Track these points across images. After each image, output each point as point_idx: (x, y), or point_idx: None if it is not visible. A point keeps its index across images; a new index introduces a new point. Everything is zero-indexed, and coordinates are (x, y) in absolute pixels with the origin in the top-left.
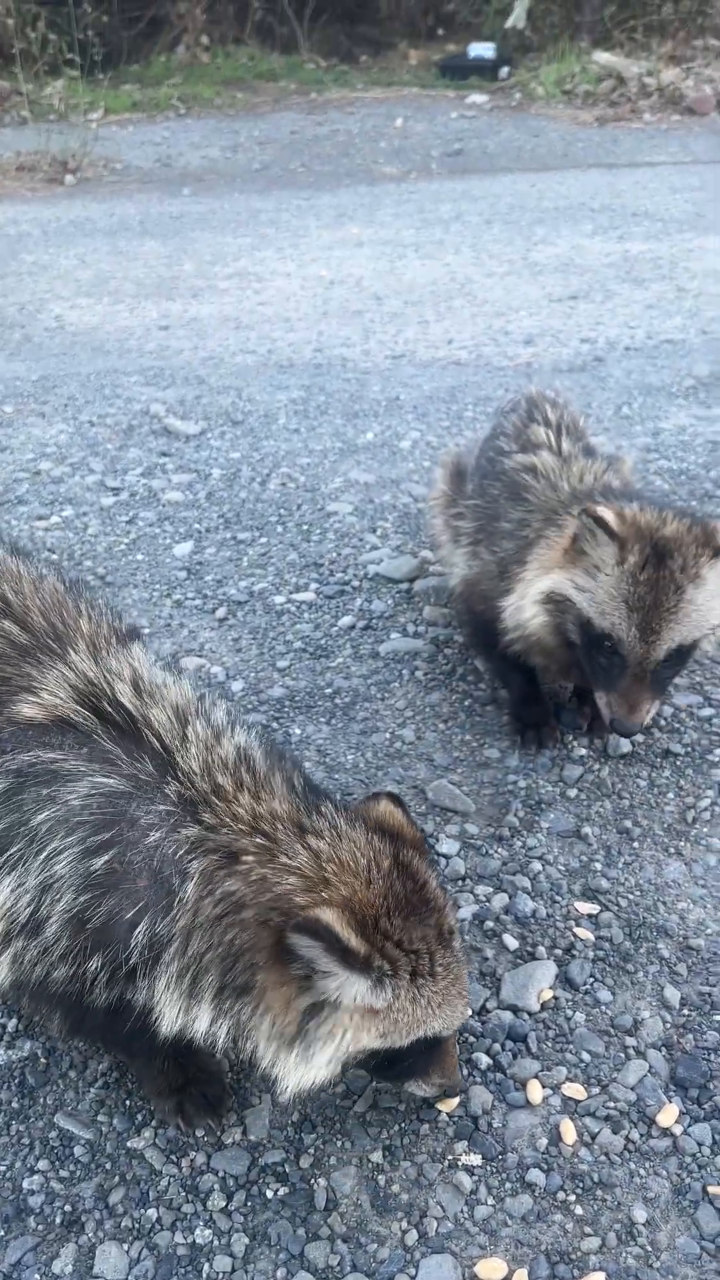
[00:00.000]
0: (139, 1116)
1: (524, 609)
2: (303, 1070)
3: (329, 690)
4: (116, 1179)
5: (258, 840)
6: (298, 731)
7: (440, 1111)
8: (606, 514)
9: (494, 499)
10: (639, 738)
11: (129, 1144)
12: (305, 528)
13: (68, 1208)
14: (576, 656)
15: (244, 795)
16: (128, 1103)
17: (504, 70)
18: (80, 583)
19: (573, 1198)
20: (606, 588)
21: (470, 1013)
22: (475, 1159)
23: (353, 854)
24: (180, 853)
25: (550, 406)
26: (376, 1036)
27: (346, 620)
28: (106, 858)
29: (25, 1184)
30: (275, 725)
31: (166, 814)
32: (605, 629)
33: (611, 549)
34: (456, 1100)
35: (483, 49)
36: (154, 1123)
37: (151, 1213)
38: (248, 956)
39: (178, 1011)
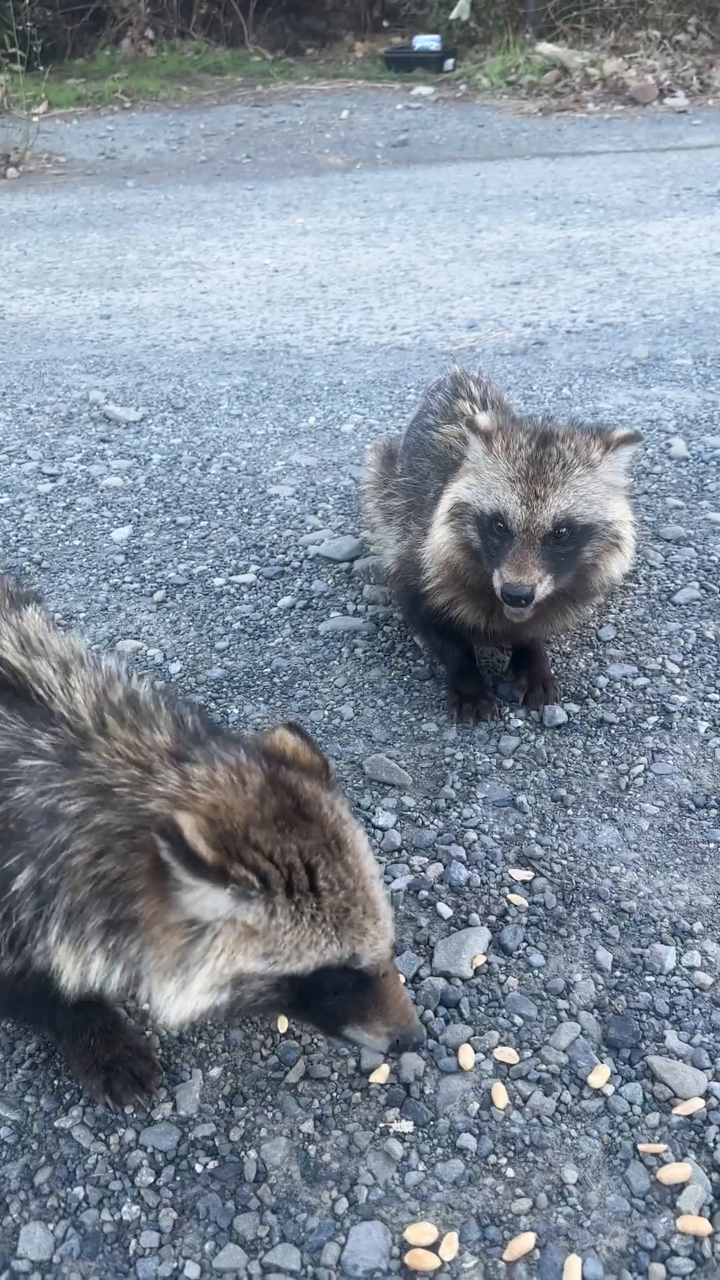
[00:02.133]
0: (67, 1096)
1: (434, 534)
2: (182, 999)
3: (268, 670)
4: (43, 1159)
5: (132, 772)
6: (235, 711)
7: (371, 1081)
8: (478, 418)
9: (423, 474)
10: (573, 707)
11: (56, 1123)
12: (246, 511)
13: None
14: (484, 576)
15: (124, 732)
16: (55, 1083)
17: (449, 62)
18: None
19: (504, 1161)
20: (489, 473)
21: (391, 944)
22: (407, 1126)
23: (226, 774)
24: (56, 800)
25: (474, 384)
26: (256, 958)
27: (286, 600)
28: None
29: None
30: (213, 705)
31: (45, 766)
32: (492, 507)
33: (480, 443)
34: (413, 1065)
35: (428, 41)
36: (82, 1101)
37: (78, 1191)
38: (126, 886)
39: (74, 964)
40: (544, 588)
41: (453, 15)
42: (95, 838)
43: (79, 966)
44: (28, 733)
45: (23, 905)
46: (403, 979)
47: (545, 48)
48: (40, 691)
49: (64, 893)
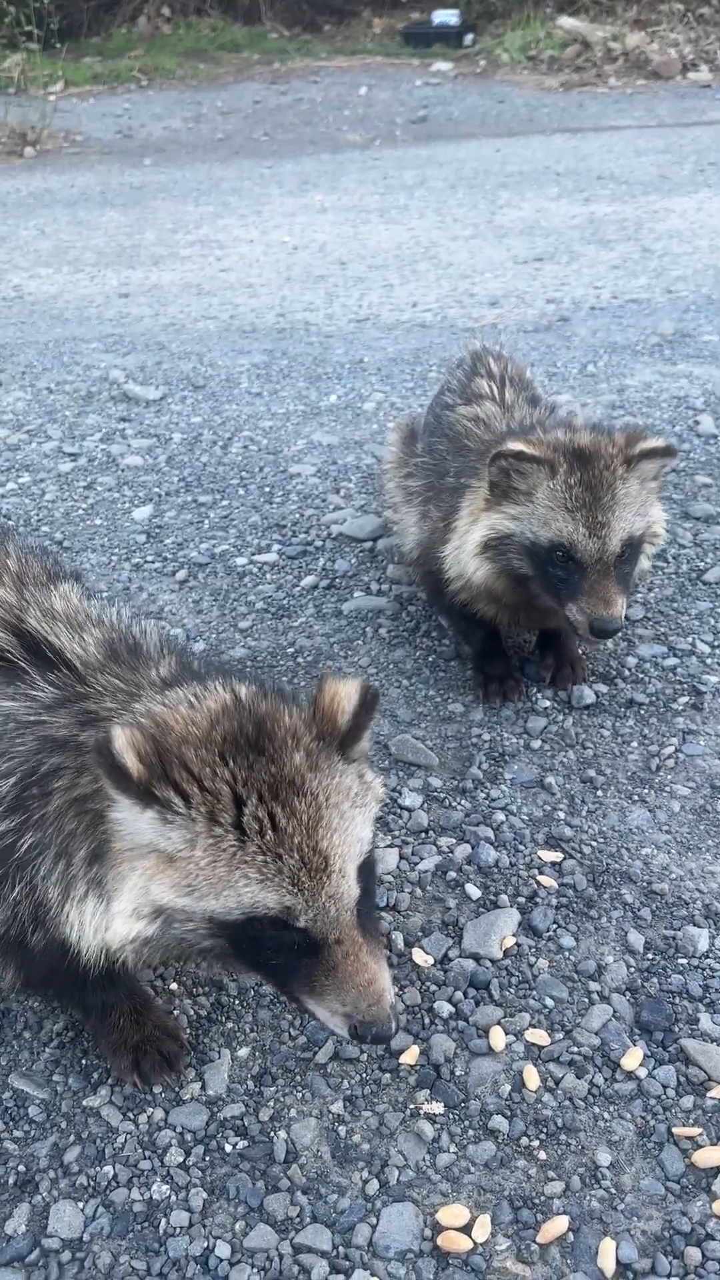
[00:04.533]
0: (95, 1075)
1: (464, 561)
2: (102, 921)
3: (291, 650)
4: (72, 1138)
5: (119, 699)
6: None
7: (401, 1062)
8: (517, 445)
9: (440, 455)
10: (602, 688)
11: (85, 1102)
12: (268, 490)
13: (21, 1168)
14: (527, 596)
15: (121, 668)
16: (83, 1062)
17: (468, 37)
18: (10, 530)
19: (536, 1143)
20: (543, 504)
21: (348, 910)
22: (437, 1107)
23: (188, 694)
24: (49, 737)
25: (494, 360)
26: (170, 888)
27: (309, 580)
28: (13, 781)
29: None
30: None
31: (36, 716)
32: (553, 538)
33: (540, 470)
34: (385, 1049)
35: (447, 16)
36: (110, 1080)
37: (108, 1170)
38: (97, 807)
39: (78, 916)
40: (625, 610)
41: None
42: (74, 756)
43: (79, 918)
44: (60, 699)
45: (36, 871)
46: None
47: (566, 22)
48: (55, 647)
49: (53, 832)
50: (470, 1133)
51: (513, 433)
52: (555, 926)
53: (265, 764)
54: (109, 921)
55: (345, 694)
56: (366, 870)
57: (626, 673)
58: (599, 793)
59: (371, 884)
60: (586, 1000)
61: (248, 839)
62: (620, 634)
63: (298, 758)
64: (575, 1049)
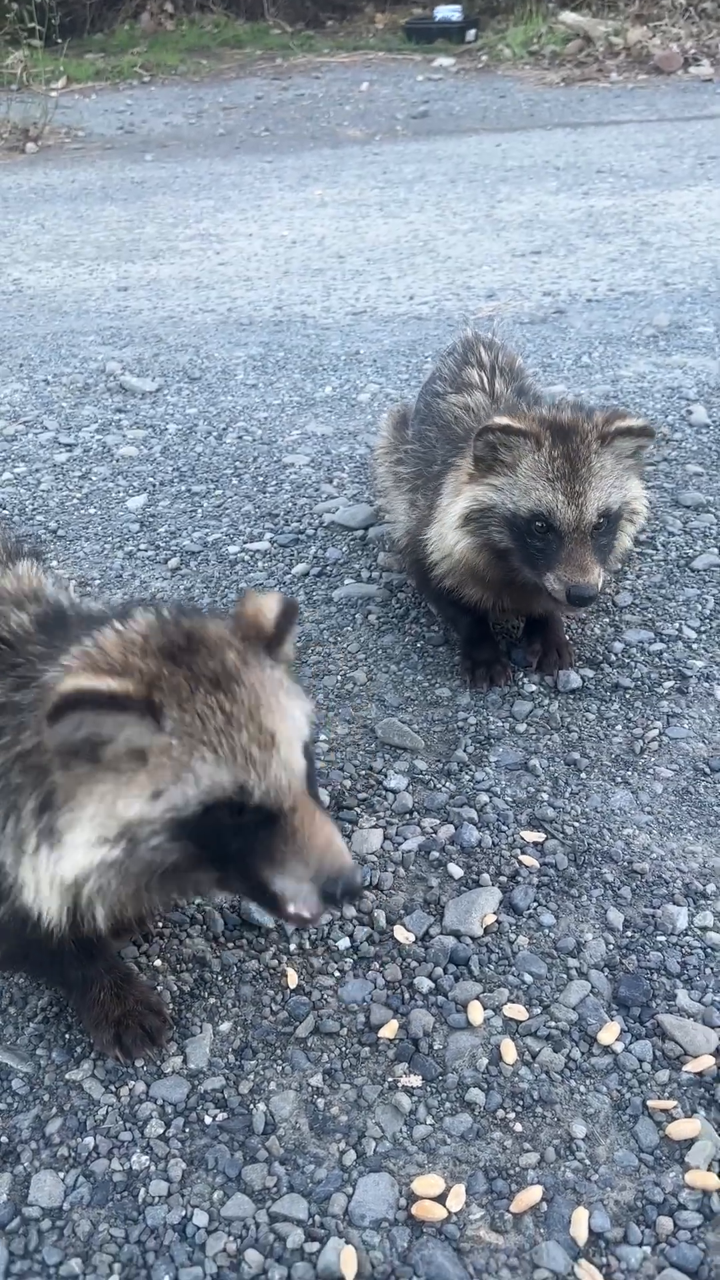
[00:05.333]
0: (78, 1049)
1: (446, 536)
2: (55, 855)
3: None
4: (54, 1110)
5: (49, 660)
6: None
7: (380, 1036)
8: (504, 420)
9: (430, 442)
10: (588, 672)
11: (68, 1076)
12: (261, 479)
13: (4, 1139)
14: (508, 571)
15: (51, 636)
16: (67, 1036)
17: (470, 33)
18: None
19: (512, 1115)
20: (525, 475)
21: (299, 778)
22: (415, 1080)
23: (119, 623)
24: None
25: (485, 348)
26: (136, 797)
27: (301, 568)
28: None
29: None
30: None
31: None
32: (533, 507)
33: (526, 443)
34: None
35: (449, 11)
36: (93, 1054)
37: (89, 1141)
38: (39, 760)
39: (30, 875)
40: (602, 581)
41: None
42: (13, 716)
43: (34, 874)
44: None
45: None
46: (414, 935)
47: (568, 17)
48: (7, 630)
49: (1, 794)
50: (447, 1105)
51: (499, 410)
52: (536, 904)
53: (204, 661)
54: (65, 856)
55: (267, 605)
56: (308, 755)
57: (613, 657)
58: (582, 775)
59: (313, 770)
60: (565, 976)
61: (201, 723)
62: (607, 617)
63: (231, 655)
64: (553, 1024)
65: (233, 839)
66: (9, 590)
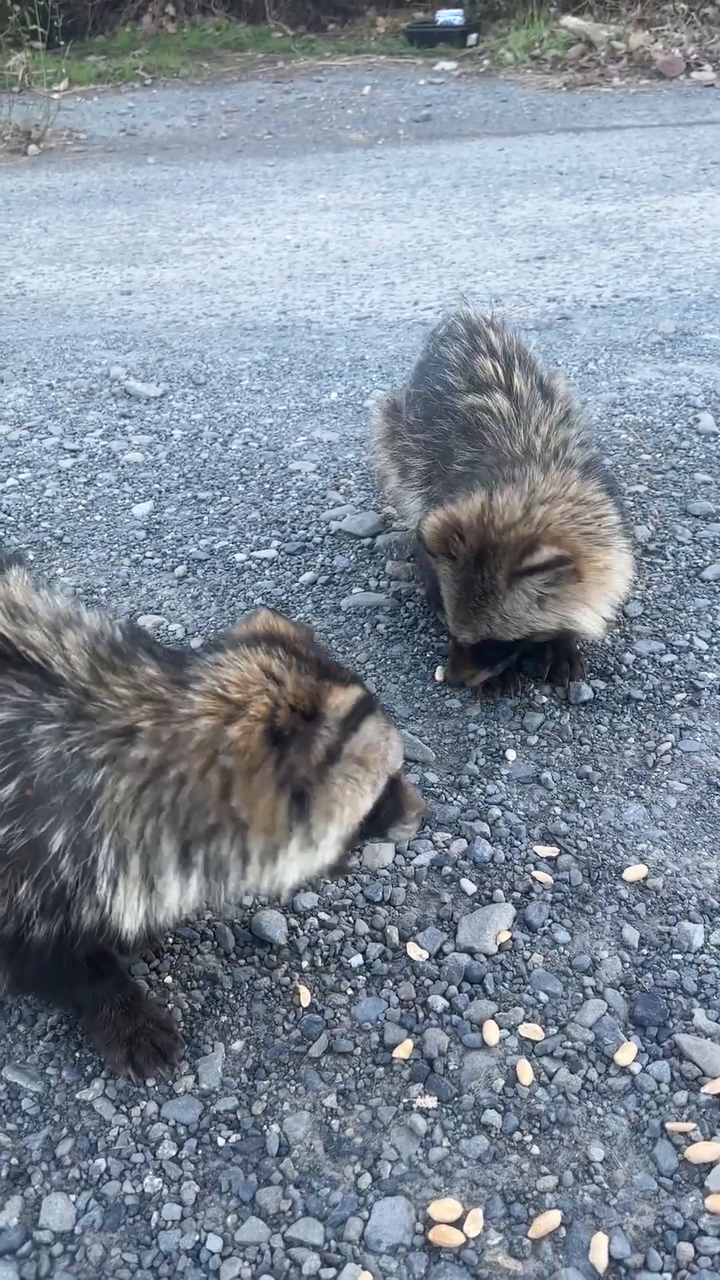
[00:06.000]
0: (89, 1068)
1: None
2: (312, 858)
3: None
4: (65, 1131)
5: (146, 708)
6: None
7: (394, 1055)
8: (428, 524)
9: (445, 434)
10: (599, 684)
11: (78, 1095)
12: (268, 486)
13: (14, 1161)
14: None
15: (119, 677)
16: (77, 1055)
17: (472, 37)
18: None
19: (529, 1138)
20: (442, 569)
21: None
22: (431, 1101)
23: (241, 670)
24: (76, 752)
25: (493, 332)
26: (371, 791)
27: (308, 576)
28: (14, 784)
29: None
30: None
31: (55, 729)
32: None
33: (437, 559)
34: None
35: (451, 15)
36: (104, 1074)
37: (100, 1163)
38: (205, 803)
39: (138, 900)
40: (480, 678)
41: None
42: (135, 775)
43: (144, 901)
44: (35, 699)
45: (61, 867)
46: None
47: (570, 21)
48: (36, 658)
49: (110, 838)
50: (463, 1127)
51: (505, 475)
52: (550, 921)
53: (340, 671)
54: (315, 858)
55: (273, 619)
56: None
57: (624, 669)
58: (595, 788)
59: None
60: (581, 995)
61: (370, 726)
62: (618, 628)
63: (335, 666)
64: (569, 1044)
65: (384, 805)
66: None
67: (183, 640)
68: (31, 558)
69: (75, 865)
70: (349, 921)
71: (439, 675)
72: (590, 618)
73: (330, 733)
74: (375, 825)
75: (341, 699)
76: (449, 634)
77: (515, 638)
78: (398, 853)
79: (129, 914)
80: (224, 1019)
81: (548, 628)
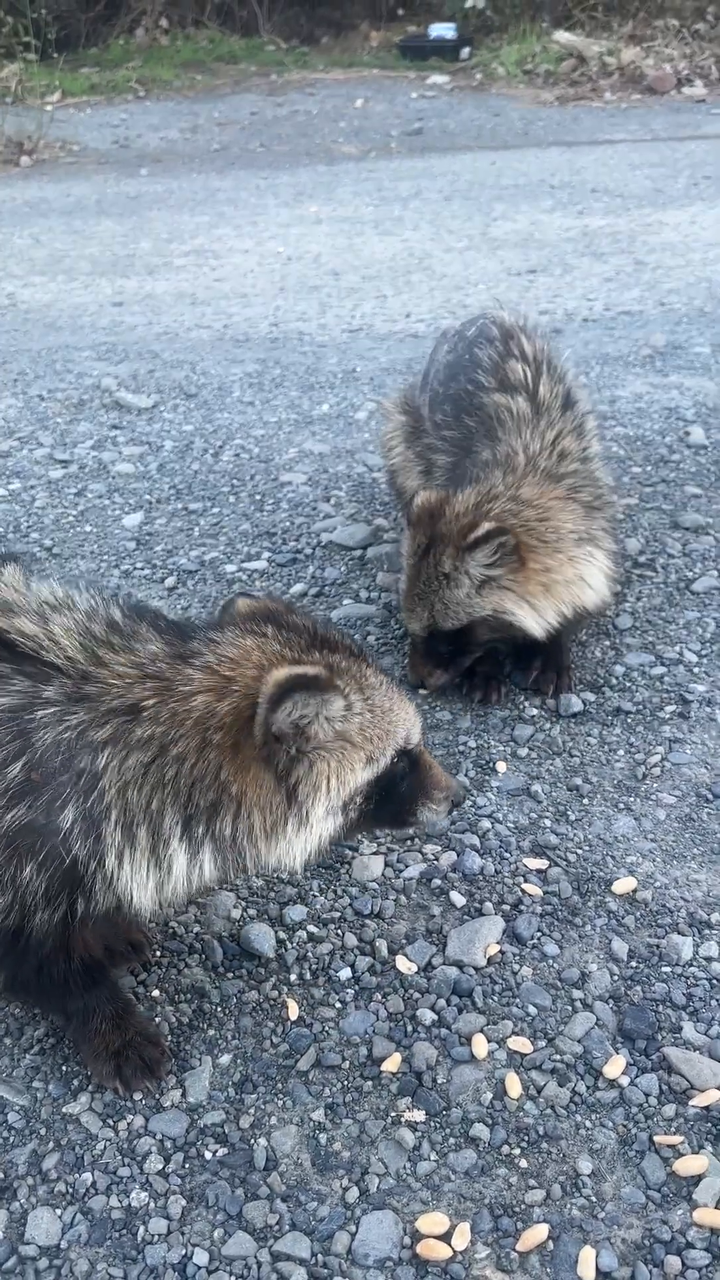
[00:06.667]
0: (75, 1081)
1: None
2: (305, 833)
3: None
4: (51, 1144)
5: (149, 685)
6: None
7: (382, 1069)
8: (419, 498)
9: (470, 431)
10: (589, 696)
11: (65, 1109)
12: (258, 498)
13: (0, 1175)
14: None
15: (120, 655)
16: (64, 1068)
17: (465, 50)
18: None
19: (517, 1151)
20: (401, 564)
21: (418, 721)
22: (419, 1115)
23: (237, 647)
24: (79, 733)
25: (526, 338)
26: (363, 764)
27: (299, 588)
28: (19, 766)
29: None
30: None
31: (54, 713)
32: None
33: (406, 539)
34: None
35: (443, 29)
36: (91, 1087)
37: (86, 1177)
38: (204, 779)
39: (146, 873)
40: (437, 679)
41: (468, 3)
42: (141, 752)
43: (154, 874)
44: (33, 687)
45: (71, 843)
46: (416, 965)
47: (562, 36)
48: (29, 647)
49: (117, 814)
50: (451, 1140)
51: (473, 477)
52: (539, 934)
53: (340, 646)
54: (303, 833)
55: (253, 603)
56: None
57: (614, 681)
58: (585, 801)
59: None
60: (570, 1008)
61: (380, 691)
62: (608, 640)
63: (336, 636)
64: (558, 1057)
65: (399, 782)
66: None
67: None
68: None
69: (84, 842)
70: (338, 934)
71: (409, 678)
72: (527, 614)
73: (261, 708)
74: (393, 805)
75: (272, 675)
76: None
77: (454, 625)
78: (387, 865)
79: (138, 887)
80: (212, 1032)
81: (483, 614)
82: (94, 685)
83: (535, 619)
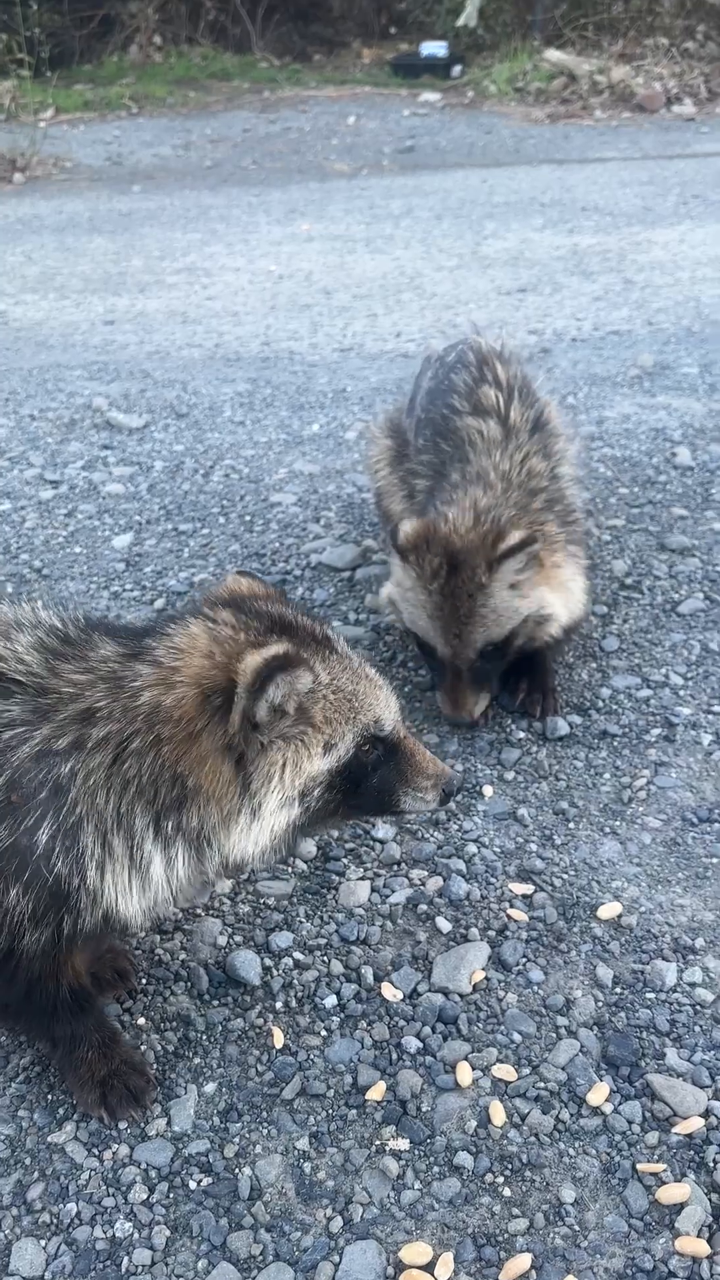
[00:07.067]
0: (61, 1111)
1: (382, 606)
2: (258, 825)
3: None
4: (36, 1174)
5: (101, 690)
6: None
7: (367, 1098)
8: (402, 527)
9: (446, 456)
10: (576, 719)
11: (50, 1138)
12: (248, 518)
13: None
14: None
15: (72, 664)
16: (49, 1097)
17: (456, 68)
18: None
19: (501, 1179)
20: (413, 599)
21: (399, 709)
22: (403, 1143)
23: (186, 635)
24: (44, 746)
25: (500, 364)
26: (321, 751)
27: None
28: None
29: None
30: None
31: (23, 730)
32: (420, 637)
33: (409, 568)
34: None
35: (435, 47)
36: (76, 1116)
37: (71, 1207)
38: (163, 772)
39: (128, 880)
40: (480, 708)
41: (460, 22)
42: (101, 754)
43: (136, 879)
44: (3, 706)
45: (53, 860)
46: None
47: (553, 55)
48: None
49: (89, 821)
50: (435, 1169)
51: (446, 499)
52: (525, 960)
53: (305, 632)
54: (255, 825)
55: (240, 580)
56: None
57: (600, 704)
58: (571, 825)
59: None
60: (554, 1035)
61: (344, 674)
62: (595, 662)
63: (304, 621)
64: (542, 1084)
65: (371, 770)
66: None
67: None
68: (10, 590)
69: (65, 859)
70: (324, 961)
71: (445, 709)
72: (558, 603)
73: (241, 697)
74: (371, 793)
75: (249, 661)
76: (441, 667)
77: (502, 635)
78: (373, 890)
79: (122, 897)
80: (197, 1061)
81: (530, 612)
82: (50, 697)
83: (565, 610)
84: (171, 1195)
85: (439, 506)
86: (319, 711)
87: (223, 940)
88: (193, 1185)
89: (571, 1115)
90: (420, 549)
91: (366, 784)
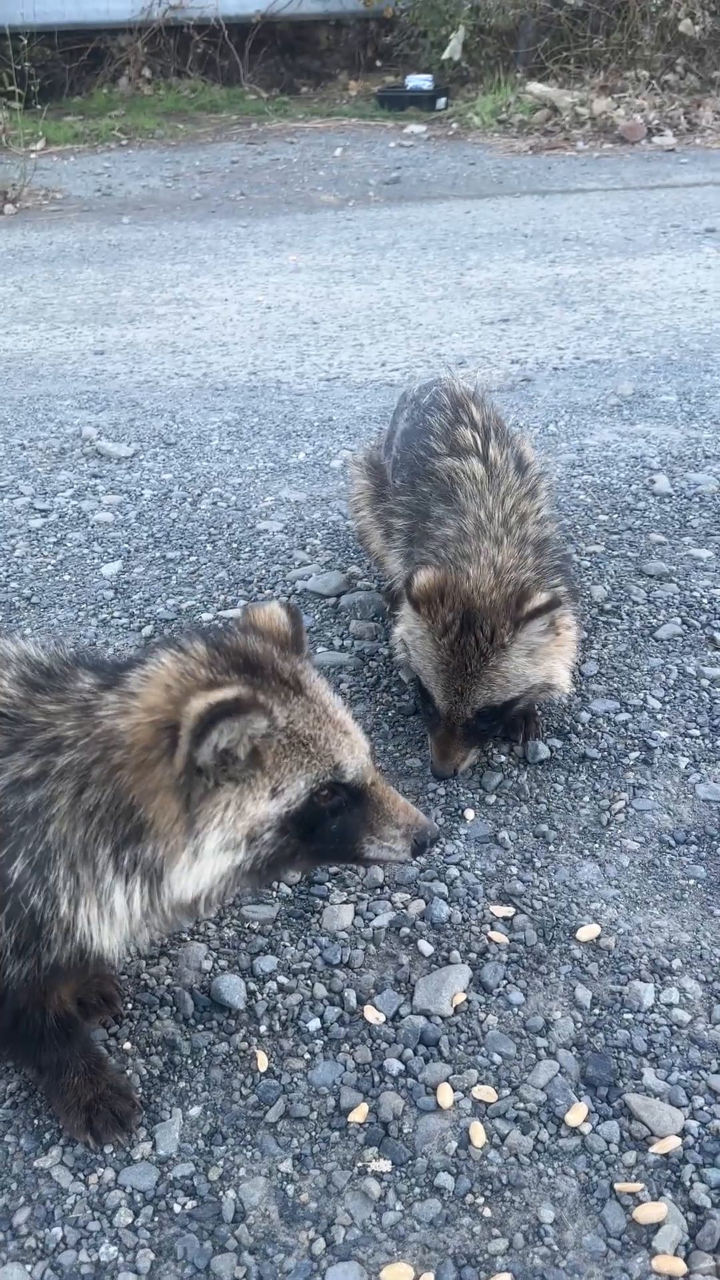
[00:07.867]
0: (46, 1135)
1: (394, 645)
2: (198, 867)
3: None
4: (21, 1199)
5: (71, 719)
6: None
7: (350, 1120)
8: (419, 579)
9: (425, 496)
10: (556, 742)
11: (36, 1163)
12: (235, 546)
13: None
14: None
15: (48, 695)
16: (35, 1122)
17: (441, 101)
18: None
19: (481, 1200)
20: (420, 648)
21: (369, 755)
22: (385, 1165)
23: (156, 665)
24: (17, 778)
25: (475, 407)
26: (268, 795)
27: None
28: None
29: None
30: None
31: (2, 762)
32: (423, 684)
33: (421, 619)
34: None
35: (420, 80)
36: (62, 1141)
37: (57, 1231)
38: (120, 802)
39: (98, 914)
40: (467, 763)
41: (445, 55)
42: (64, 782)
43: (105, 914)
44: None
45: (29, 892)
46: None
47: (535, 87)
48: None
49: (58, 853)
50: (416, 1190)
51: (459, 552)
52: (505, 982)
53: (273, 671)
54: (195, 864)
55: (275, 613)
56: None
57: (580, 728)
58: (551, 847)
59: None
60: (534, 1056)
61: (295, 728)
62: (574, 687)
63: (286, 663)
64: (521, 1105)
65: (330, 817)
66: None
67: None
68: (0, 618)
69: (38, 891)
70: (307, 985)
71: (433, 758)
72: (564, 672)
73: (184, 740)
74: (332, 840)
75: (194, 704)
76: (436, 717)
77: (512, 695)
78: (356, 914)
79: (94, 930)
80: (182, 1084)
81: (537, 681)
82: (24, 726)
83: (567, 676)
84: (156, 1219)
85: (452, 560)
86: (270, 756)
87: (208, 964)
88: (177, 1209)
89: (551, 1135)
90: (434, 601)
91: (325, 830)
